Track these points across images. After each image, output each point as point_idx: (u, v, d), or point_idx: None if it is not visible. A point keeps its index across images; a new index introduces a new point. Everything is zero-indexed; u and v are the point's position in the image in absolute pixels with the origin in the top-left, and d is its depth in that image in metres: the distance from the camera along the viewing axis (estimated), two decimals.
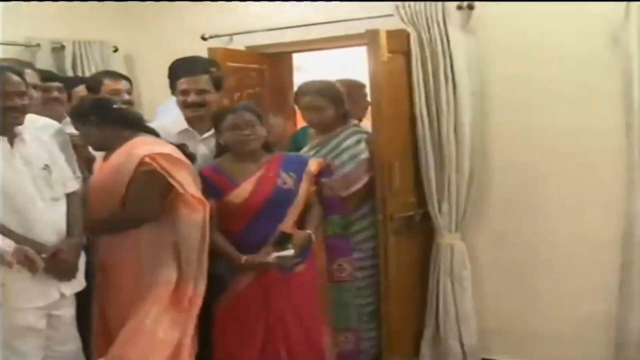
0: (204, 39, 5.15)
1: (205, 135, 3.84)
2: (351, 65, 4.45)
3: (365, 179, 3.94)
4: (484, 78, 4.09)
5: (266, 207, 3.52)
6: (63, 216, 3.18)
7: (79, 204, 3.29)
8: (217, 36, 5.14)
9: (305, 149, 4.06)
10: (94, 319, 3.48)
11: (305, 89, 4.05)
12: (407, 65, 4.05)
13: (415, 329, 4.25)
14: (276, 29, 4.85)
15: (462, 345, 4.14)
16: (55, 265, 3.05)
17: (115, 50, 5.53)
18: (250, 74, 5.02)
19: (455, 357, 4.14)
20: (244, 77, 4.93)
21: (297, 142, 4.33)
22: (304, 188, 3.62)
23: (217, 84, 3.89)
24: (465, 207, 4.12)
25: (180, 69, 3.88)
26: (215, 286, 3.46)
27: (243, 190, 3.53)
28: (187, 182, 3.35)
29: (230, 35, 5.14)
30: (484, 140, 4.13)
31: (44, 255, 2.99)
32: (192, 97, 3.80)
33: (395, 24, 4.04)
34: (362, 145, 3.96)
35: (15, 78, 3.03)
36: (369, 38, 3.85)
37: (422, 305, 4.24)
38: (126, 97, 4.30)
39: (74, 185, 3.32)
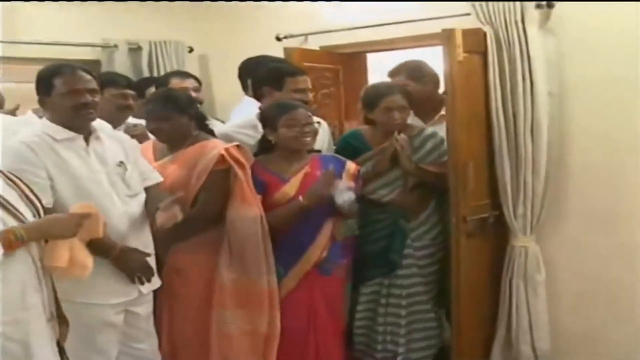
0: (278, 39, 5.25)
1: None
2: None
3: None
4: (562, 78, 4.05)
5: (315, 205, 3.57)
6: (139, 211, 3.26)
7: (160, 196, 3.34)
8: (291, 36, 5.23)
9: (374, 152, 4.03)
10: (161, 319, 3.58)
11: (392, 88, 4.07)
12: (483, 65, 4.03)
13: (487, 332, 4.23)
14: (350, 29, 4.91)
15: (534, 350, 4.11)
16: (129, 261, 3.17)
17: (191, 50, 5.67)
18: (325, 74, 5.11)
19: None
20: (319, 77, 5.01)
21: (348, 145, 4.15)
22: None
23: None
24: (541, 209, 4.08)
25: (291, 67, 4.01)
26: None
27: (291, 187, 3.58)
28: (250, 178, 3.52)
29: (305, 35, 5.23)
30: (562, 141, 4.09)
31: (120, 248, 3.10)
32: (309, 95, 3.93)
33: (471, 23, 4.04)
34: (445, 145, 4.04)
35: (87, 75, 3.13)
36: (444, 38, 3.84)
37: (494, 308, 4.22)
38: (193, 94, 4.41)
39: (157, 177, 3.41)
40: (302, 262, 3.59)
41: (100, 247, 2.97)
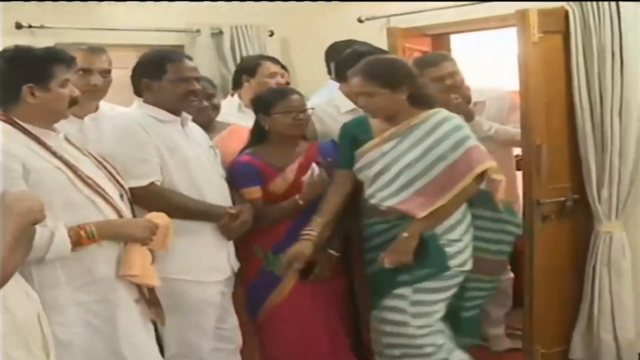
0: (360, 21, 5.51)
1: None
2: (504, 47, 4.68)
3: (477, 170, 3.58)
4: None
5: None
6: (228, 192, 3.64)
7: None
8: (373, 18, 5.47)
9: (376, 140, 3.69)
10: None
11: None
12: (565, 45, 4.17)
13: (566, 320, 4.39)
14: (433, 9, 5.10)
15: (616, 339, 4.24)
16: (235, 225, 3.51)
17: (272, 34, 6.02)
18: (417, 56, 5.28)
19: (609, 350, 4.24)
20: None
21: (349, 133, 3.82)
22: None
23: None
24: (628, 194, 4.20)
25: (373, 50, 4.18)
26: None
27: (287, 177, 3.71)
28: None
29: (388, 17, 5.43)
30: None
31: (232, 211, 3.49)
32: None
33: (552, 3, 4.19)
34: (466, 130, 3.66)
35: (192, 64, 3.50)
36: (518, 18, 4.04)
37: (575, 296, 4.37)
38: (281, 80, 4.70)
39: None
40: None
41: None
